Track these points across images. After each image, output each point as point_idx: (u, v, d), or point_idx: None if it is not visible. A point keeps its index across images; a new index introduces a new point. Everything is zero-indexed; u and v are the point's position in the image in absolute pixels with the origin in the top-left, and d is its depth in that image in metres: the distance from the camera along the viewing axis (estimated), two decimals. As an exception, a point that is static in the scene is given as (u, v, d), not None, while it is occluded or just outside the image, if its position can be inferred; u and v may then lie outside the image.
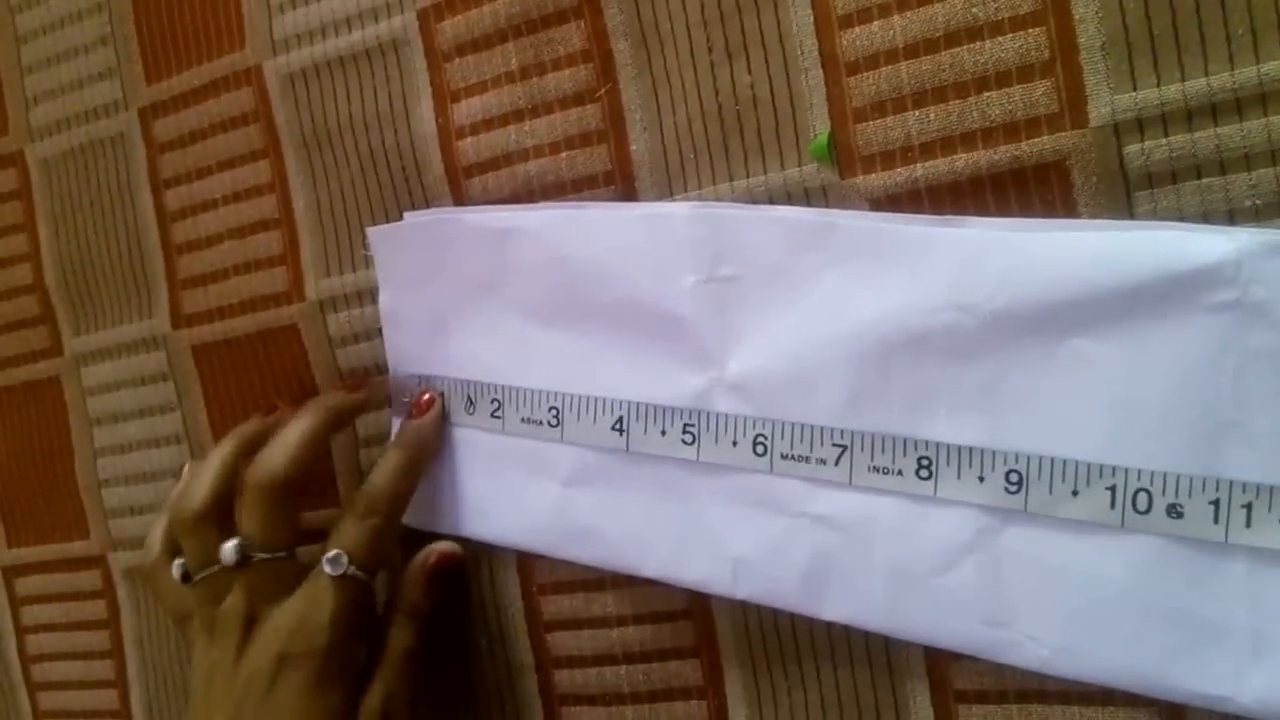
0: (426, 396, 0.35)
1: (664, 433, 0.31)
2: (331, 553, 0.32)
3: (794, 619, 0.31)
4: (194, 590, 0.34)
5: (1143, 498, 0.26)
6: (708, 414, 0.31)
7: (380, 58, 0.36)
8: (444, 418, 0.35)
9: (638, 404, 0.32)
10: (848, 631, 0.30)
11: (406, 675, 0.34)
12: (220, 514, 0.34)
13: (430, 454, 0.35)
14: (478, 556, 0.36)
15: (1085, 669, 0.27)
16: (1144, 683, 0.26)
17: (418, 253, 0.35)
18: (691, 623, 0.33)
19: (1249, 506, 0.25)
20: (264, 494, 0.33)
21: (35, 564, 0.46)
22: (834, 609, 0.29)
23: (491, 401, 0.34)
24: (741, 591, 0.31)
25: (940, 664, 0.29)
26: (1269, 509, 0.24)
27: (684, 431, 0.31)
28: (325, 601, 0.32)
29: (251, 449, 0.36)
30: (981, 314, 0.27)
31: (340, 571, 0.32)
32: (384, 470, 0.34)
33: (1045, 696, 0.28)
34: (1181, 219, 0.26)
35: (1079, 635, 0.27)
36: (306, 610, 0.32)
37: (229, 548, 0.33)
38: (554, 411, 0.33)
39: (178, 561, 0.35)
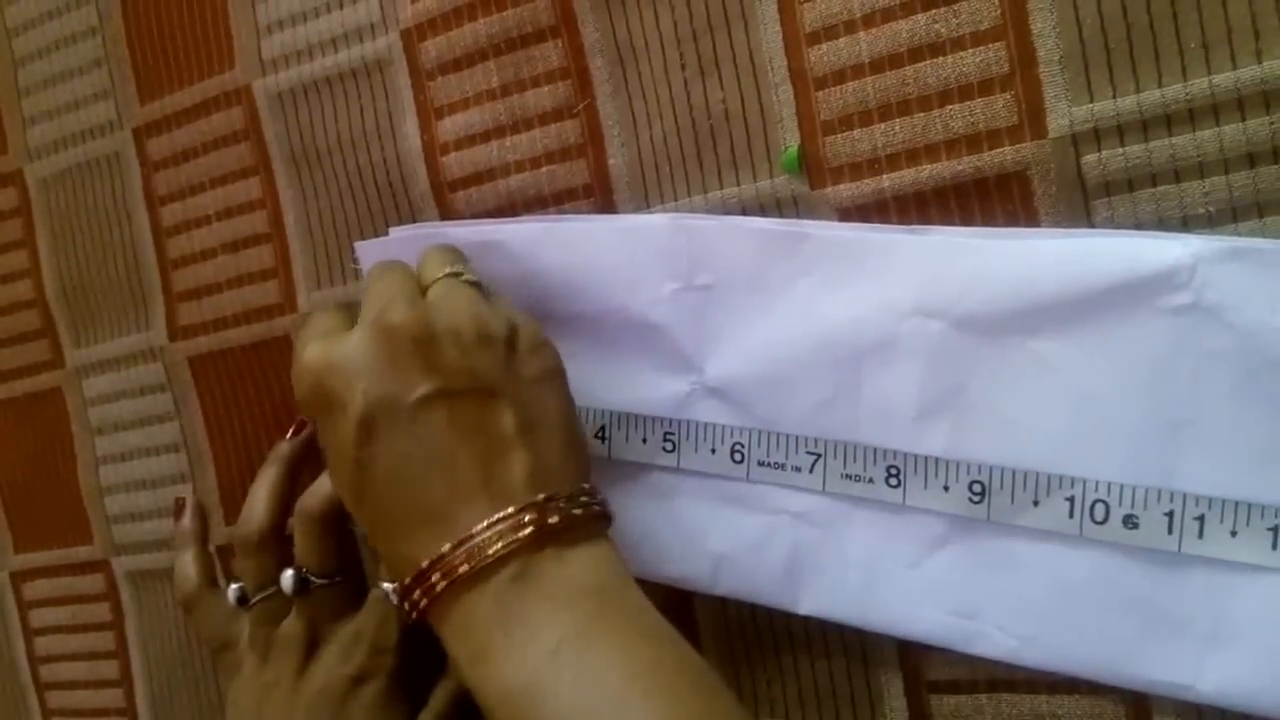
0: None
1: (645, 440, 0.32)
2: (394, 584, 0.33)
3: (771, 613, 0.32)
4: (250, 613, 0.35)
5: (1100, 508, 0.27)
6: (687, 422, 0.31)
7: (366, 77, 0.37)
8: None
9: (619, 413, 0.32)
10: (823, 625, 0.31)
11: (458, 708, 0.34)
12: (277, 538, 0.35)
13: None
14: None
15: (1051, 659, 0.28)
16: (1109, 672, 0.27)
17: (404, 266, 0.36)
18: (671, 618, 0.34)
19: (1201, 519, 0.26)
20: (317, 524, 0.34)
21: (42, 568, 0.47)
22: (809, 603, 0.30)
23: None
24: (721, 588, 0.32)
25: (913, 655, 0.30)
26: (1220, 521, 0.25)
27: (664, 439, 0.32)
28: (392, 626, 0.33)
29: (293, 468, 0.37)
30: (947, 319, 0.28)
31: None
32: None
33: (1014, 685, 0.29)
34: (1138, 226, 0.27)
35: (1045, 626, 0.28)
36: (376, 635, 0.33)
37: (288, 577, 0.34)
38: None
39: (234, 586, 0.36)
